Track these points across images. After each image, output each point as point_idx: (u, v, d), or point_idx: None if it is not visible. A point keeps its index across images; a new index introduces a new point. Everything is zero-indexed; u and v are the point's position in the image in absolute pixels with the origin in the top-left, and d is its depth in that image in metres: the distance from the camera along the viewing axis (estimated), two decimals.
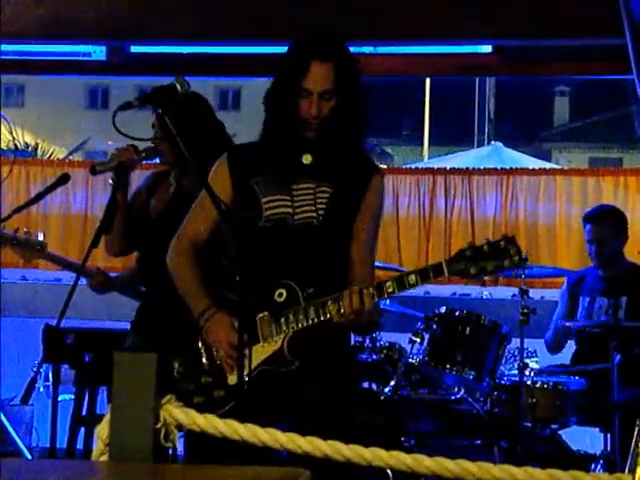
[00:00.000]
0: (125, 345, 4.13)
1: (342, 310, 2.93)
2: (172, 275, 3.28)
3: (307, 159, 3.18)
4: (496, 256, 2.84)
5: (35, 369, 5.89)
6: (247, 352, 2.98)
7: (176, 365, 3.20)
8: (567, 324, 5.33)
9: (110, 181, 3.94)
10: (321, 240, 3.13)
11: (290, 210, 3.14)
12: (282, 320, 3.06)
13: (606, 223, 5.41)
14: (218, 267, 3.89)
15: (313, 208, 3.14)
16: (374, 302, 2.94)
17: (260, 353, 3.07)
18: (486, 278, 5.46)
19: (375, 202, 3.23)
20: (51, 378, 5.24)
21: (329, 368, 3.13)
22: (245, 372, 2.89)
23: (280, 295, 3.07)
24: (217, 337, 3.10)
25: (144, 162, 4.34)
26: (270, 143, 3.19)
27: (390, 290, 2.92)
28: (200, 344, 3.19)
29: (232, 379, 3.09)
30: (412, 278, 2.90)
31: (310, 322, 3.01)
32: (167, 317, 3.90)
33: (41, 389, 6.31)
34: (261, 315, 3.10)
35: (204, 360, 3.19)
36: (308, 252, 3.11)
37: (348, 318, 2.93)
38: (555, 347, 5.58)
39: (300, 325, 3.03)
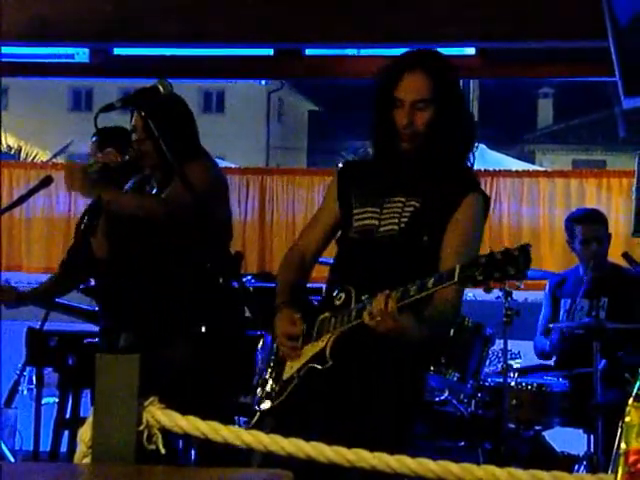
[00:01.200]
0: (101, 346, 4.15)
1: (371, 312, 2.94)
2: None
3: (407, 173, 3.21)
4: (505, 264, 2.76)
5: (18, 372, 5.87)
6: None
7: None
8: (551, 325, 5.35)
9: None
10: (397, 252, 3.14)
11: (376, 222, 3.18)
12: (332, 321, 3.13)
13: (601, 223, 5.48)
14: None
15: (397, 221, 3.16)
16: (396, 306, 2.88)
17: (310, 351, 3.16)
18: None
19: (463, 220, 3.15)
20: (34, 381, 5.22)
21: (362, 371, 3.14)
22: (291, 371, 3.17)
23: (339, 298, 3.15)
24: (277, 330, 3.22)
25: None
26: (375, 156, 3.26)
27: (412, 293, 2.89)
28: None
29: (287, 373, 3.21)
30: (430, 283, 2.88)
31: (349, 324, 3.06)
32: (137, 314, 3.95)
33: (24, 392, 6.28)
34: (321, 316, 3.18)
35: (273, 355, 3.32)
36: (384, 263, 3.14)
37: (376, 320, 2.92)
38: (546, 355, 5.56)
39: (342, 326, 3.09)
